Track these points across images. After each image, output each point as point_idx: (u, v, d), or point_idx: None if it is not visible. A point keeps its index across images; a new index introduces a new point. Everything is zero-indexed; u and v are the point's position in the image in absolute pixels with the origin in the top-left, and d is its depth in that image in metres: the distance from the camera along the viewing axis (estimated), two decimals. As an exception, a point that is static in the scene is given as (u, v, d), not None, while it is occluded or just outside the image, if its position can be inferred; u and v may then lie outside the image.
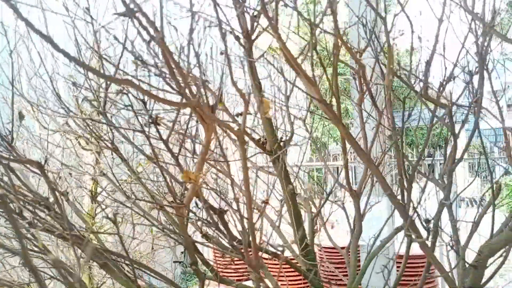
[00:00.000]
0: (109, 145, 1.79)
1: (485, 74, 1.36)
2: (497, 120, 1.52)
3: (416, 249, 1.76)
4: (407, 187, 1.63)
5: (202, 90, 1.08)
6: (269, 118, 1.79)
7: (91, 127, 1.73)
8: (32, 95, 2.27)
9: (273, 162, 1.92)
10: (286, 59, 1.21)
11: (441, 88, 1.54)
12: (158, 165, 1.11)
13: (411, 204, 1.46)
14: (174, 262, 1.49)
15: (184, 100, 0.90)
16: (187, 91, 0.97)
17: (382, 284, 1.85)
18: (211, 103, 1.13)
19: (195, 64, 1.07)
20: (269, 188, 2.26)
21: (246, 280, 3.17)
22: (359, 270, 1.93)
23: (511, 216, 1.27)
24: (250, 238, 1.14)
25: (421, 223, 1.27)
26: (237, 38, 1.71)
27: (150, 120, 1.06)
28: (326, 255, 5.29)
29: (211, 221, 1.43)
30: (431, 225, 1.28)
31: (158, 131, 1.23)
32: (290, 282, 4.25)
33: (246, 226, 1.05)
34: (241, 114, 1.02)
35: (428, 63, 1.23)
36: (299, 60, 1.45)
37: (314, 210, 2.18)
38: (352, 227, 1.93)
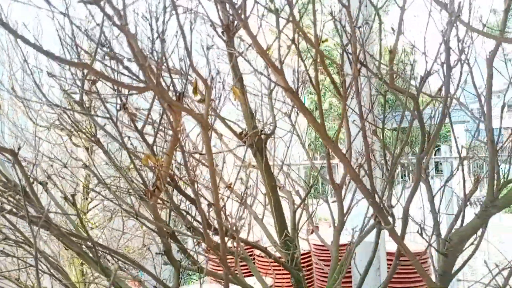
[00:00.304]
0: (92, 138, 1.81)
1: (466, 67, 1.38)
2: (471, 114, 1.53)
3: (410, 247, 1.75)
4: (389, 179, 1.64)
5: (180, 80, 1.10)
6: (246, 105, 1.81)
7: (72, 119, 1.75)
8: (18, 89, 2.30)
9: (254, 155, 1.94)
10: (257, 50, 1.23)
11: (422, 83, 1.55)
12: (128, 151, 1.13)
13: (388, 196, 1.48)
14: (157, 254, 1.51)
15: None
16: (152, 78, 0.99)
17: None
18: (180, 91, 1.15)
19: (161, 51, 1.09)
20: (254, 182, 2.28)
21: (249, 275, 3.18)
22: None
23: (471, 195, 1.28)
24: (224, 229, 1.16)
25: (385, 209, 1.28)
26: (215, 29, 1.74)
27: (119, 107, 1.08)
28: (320, 253, 5.31)
29: (186, 210, 1.45)
30: (393, 210, 1.29)
31: (132, 120, 1.25)
32: (279, 277, 4.25)
33: (211, 211, 1.07)
34: (203, 100, 1.04)
35: (392, 52, 1.24)
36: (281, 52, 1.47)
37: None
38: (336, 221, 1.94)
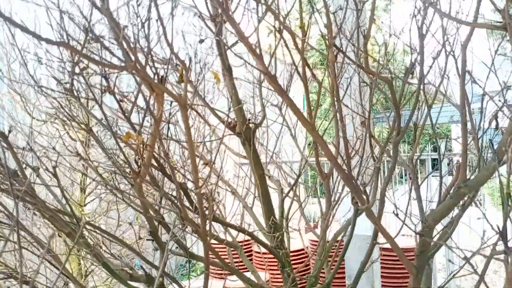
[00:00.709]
0: (84, 126, 1.87)
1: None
2: (449, 100, 1.57)
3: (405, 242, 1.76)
4: (375, 168, 1.69)
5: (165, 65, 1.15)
6: (235, 94, 1.86)
7: (66, 110, 1.81)
8: (15, 83, 2.35)
9: (242, 144, 1.98)
10: (238, 37, 1.28)
11: (409, 74, 1.60)
12: (112, 133, 1.18)
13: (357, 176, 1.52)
14: (147, 239, 1.57)
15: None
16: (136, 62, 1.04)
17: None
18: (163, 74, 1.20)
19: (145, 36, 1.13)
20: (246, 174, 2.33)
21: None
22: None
23: (451, 185, 1.33)
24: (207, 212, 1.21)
25: (358, 189, 1.32)
26: (203, 20, 1.78)
27: (104, 88, 1.13)
28: (316, 249, 5.34)
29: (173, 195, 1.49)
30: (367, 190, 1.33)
31: (117, 100, 1.30)
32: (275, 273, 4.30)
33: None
34: (182, 81, 1.09)
35: (366, 37, 1.28)
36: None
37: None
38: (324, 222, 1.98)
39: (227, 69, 1.93)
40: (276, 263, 2.43)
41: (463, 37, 1.52)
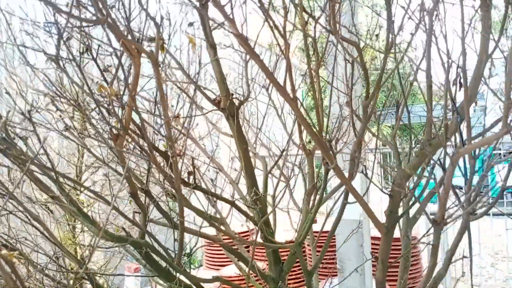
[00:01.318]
0: (73, 102, 1.93)
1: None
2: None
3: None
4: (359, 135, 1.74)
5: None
6: (219, 71, 1.92)
7: (54, 84, 1.87)
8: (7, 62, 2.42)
9: (227, 119, 2.05)
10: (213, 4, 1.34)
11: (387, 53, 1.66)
12: (91, 95, 1.25)
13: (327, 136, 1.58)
14: (135, 212, 1.63)
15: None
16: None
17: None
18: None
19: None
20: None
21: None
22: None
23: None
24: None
25: (327, 147, 1.38)
26: None
27: (82, 49, 1.20)
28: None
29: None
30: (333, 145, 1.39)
31: (95, 61, 1.36)
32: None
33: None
34: (153, 39, 1.15)
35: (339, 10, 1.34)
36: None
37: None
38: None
39: (211, 45, 1.99)
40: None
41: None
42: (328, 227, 1.96)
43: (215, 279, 1.50)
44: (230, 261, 3.93)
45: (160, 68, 1.12)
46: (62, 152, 3.81)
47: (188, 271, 1.47)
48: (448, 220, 1.24)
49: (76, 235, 3.26)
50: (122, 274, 3.85)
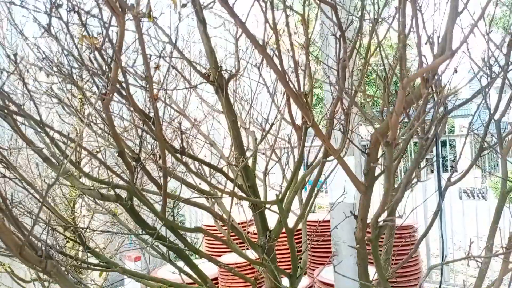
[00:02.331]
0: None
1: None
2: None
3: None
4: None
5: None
6: (208, 44, 1.97)
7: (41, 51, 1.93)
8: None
9: (216, 92, 2.10)
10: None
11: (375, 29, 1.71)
12: (78, 53, 1.31)
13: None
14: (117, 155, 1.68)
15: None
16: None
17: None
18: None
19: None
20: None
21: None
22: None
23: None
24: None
25: (305, 105, 1.43)
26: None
27: (69, 8, 1.26)
28: (310, 229, 5.49)
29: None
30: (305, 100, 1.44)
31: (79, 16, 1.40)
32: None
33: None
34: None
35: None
36: None
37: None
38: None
39: (201, 21, 2.06)
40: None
41: None
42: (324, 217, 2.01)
43: (196, 229, 1.55)
44: (230, 250, 3.99)
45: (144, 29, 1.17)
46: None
47: (175, 222, 1.51)
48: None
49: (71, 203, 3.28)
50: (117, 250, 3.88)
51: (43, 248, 1.17)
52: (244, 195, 1.93)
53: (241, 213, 2.19)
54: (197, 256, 1.76)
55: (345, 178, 1.51)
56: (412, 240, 4.89)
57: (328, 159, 1.61)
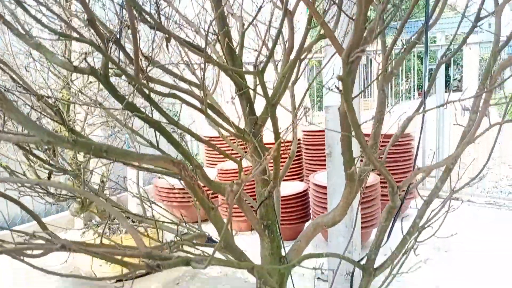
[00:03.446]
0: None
1: None
2: None
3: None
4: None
5: None
6: None
7: None
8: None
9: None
10: None
11: None
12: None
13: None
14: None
15: None
16: None
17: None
18: None
19: None
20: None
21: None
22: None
23: None
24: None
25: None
26: None
27: None
28: (307, 139, 5.52)
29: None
30: None
31: None
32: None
33: None
34: None
35: None
36: None
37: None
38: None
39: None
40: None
41: None
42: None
43: (171, 94, 1.50)
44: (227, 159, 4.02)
45: None
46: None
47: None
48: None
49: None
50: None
51: None
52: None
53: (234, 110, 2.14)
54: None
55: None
56: (409, 147, 4.93)
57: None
